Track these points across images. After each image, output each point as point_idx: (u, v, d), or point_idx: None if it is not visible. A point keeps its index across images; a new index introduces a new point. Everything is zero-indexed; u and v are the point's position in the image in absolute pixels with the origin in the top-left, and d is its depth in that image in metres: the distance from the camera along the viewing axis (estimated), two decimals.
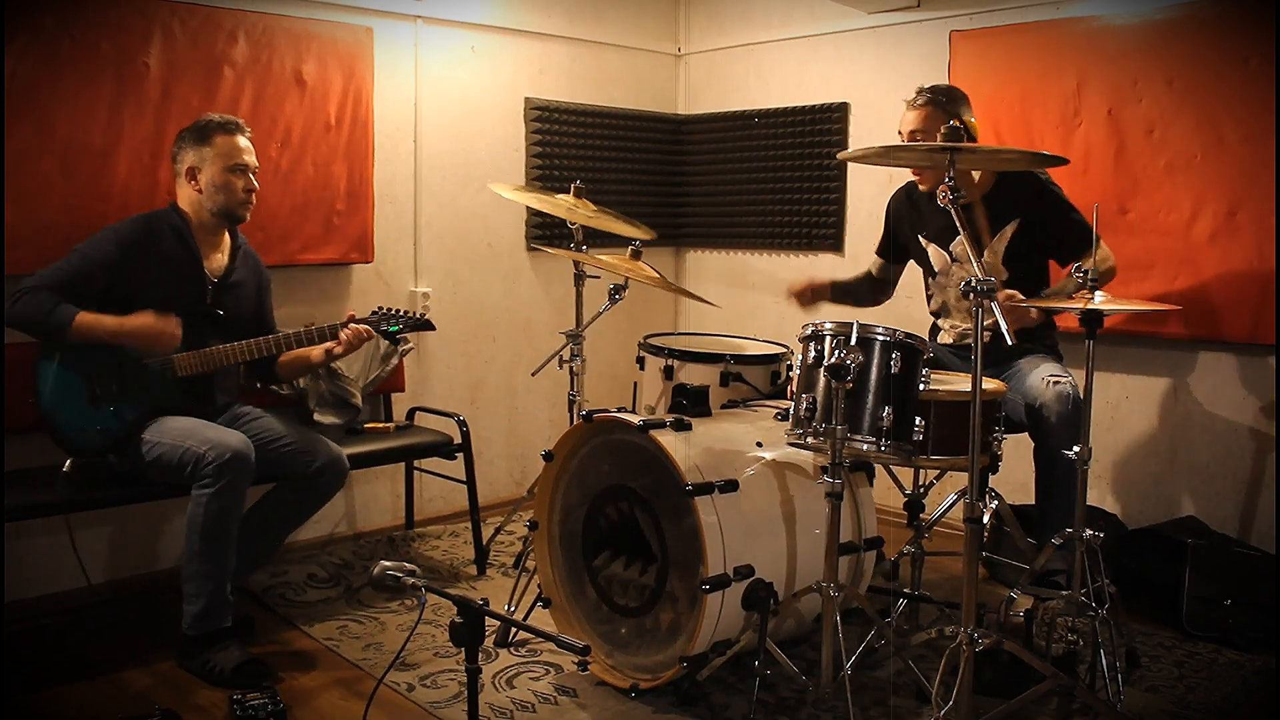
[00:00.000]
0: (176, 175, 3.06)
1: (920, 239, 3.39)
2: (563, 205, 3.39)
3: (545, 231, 4.57)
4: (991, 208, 3.19)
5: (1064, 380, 2.97)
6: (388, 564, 2.04)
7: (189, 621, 2.85)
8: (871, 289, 3.64)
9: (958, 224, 2.37)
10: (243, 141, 3.07)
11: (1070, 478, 2.77)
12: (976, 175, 3.22)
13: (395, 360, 4.00)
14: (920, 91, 3.21)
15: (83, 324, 2.84)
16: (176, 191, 3.08)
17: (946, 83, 3.58)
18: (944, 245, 3.32)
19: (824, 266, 4.56)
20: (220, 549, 2.84)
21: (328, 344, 3.07)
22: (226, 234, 3.17)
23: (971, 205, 3.18)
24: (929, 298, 3.45)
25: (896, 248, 3.51)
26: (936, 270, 3.36)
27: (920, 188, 3.36)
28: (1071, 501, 2.76)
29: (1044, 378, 2.99)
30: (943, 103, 3.16)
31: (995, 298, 2.29)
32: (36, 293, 2.84)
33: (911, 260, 3.53)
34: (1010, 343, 2.27)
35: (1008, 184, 3.21)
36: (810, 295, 3.58)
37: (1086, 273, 2.65)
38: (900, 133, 3.23)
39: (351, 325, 3.06)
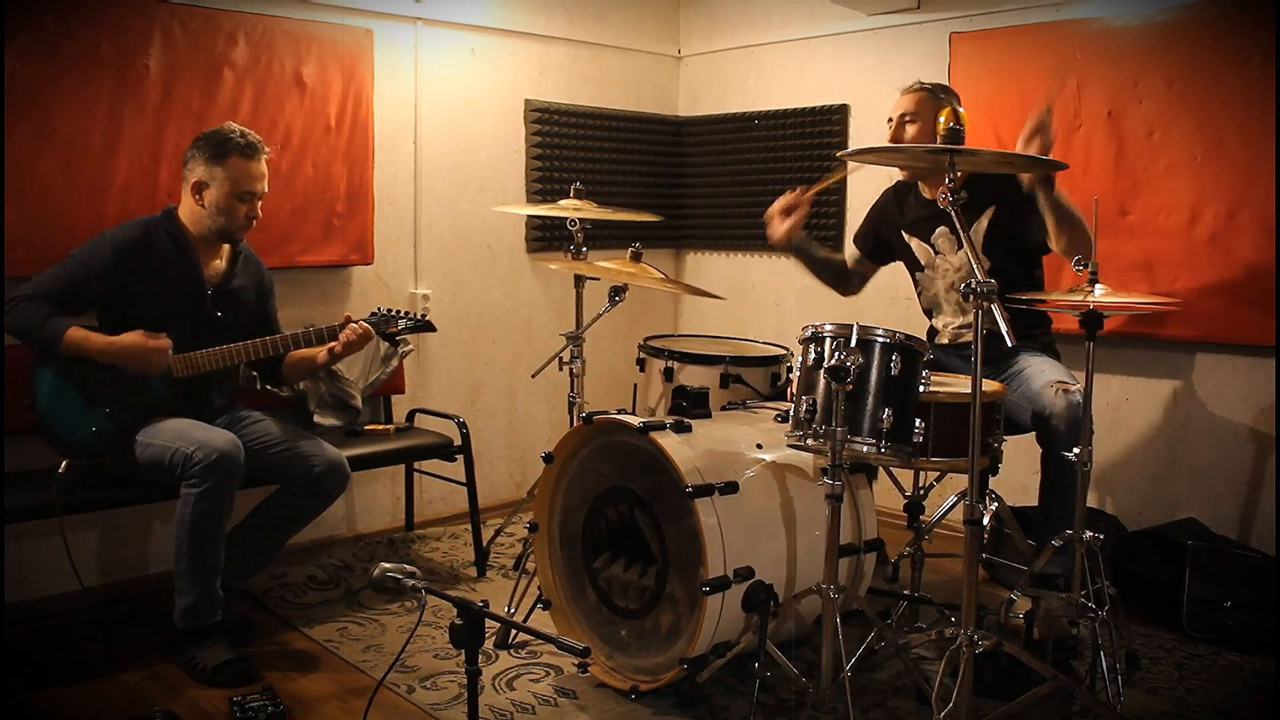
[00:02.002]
0: (183, 181, 3.03)
1: (903, 234, 3.39)
2: (568, 209, 3.40)
3: (545, 234, 4.58)
4: (966, 199, 3.16)
5: (1074, 389, 2.94)
6: (388, 566, 2.04)
7: (178, 615, 2.88)
8: (838, 275, 3.59)
9: (957, 225, 2.37)
10: (258, 167, 3.03)
11: (1073, 481, 2.76)
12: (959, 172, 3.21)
13: (395, 362, 4.00)
14: (916, 81, 3.29)
15: (71, 340, 2.84)
16: (180, 197, 3.07)
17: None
18: (925, 238, 3.32)
19: None
20: (208, 547, 2.85)
21: (329, 344, 3.07)
22: None
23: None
24: (919, 295, 3.45)
25: (880, 245, 3.50)
26: (922, 264, 3.36)
27: (900, 175, 3.38)
28: (1072, 504, 2.75)
29: (1053, 384, 2.98)
30: (937, 92, 3.23)
31: (995, 300, 2.28)
32: (31, 303, 2.85)
33: (899, 262, 3.52)
34: (1010, 344, 2.27)
35: (978, 175, 3.19)
36: (784, 217, 3.37)
37: (1086, 265, 2.65)
38: (890, 118, 3.24)
39: (350, 325, 3.05)
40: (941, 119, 3.06)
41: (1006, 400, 3.04)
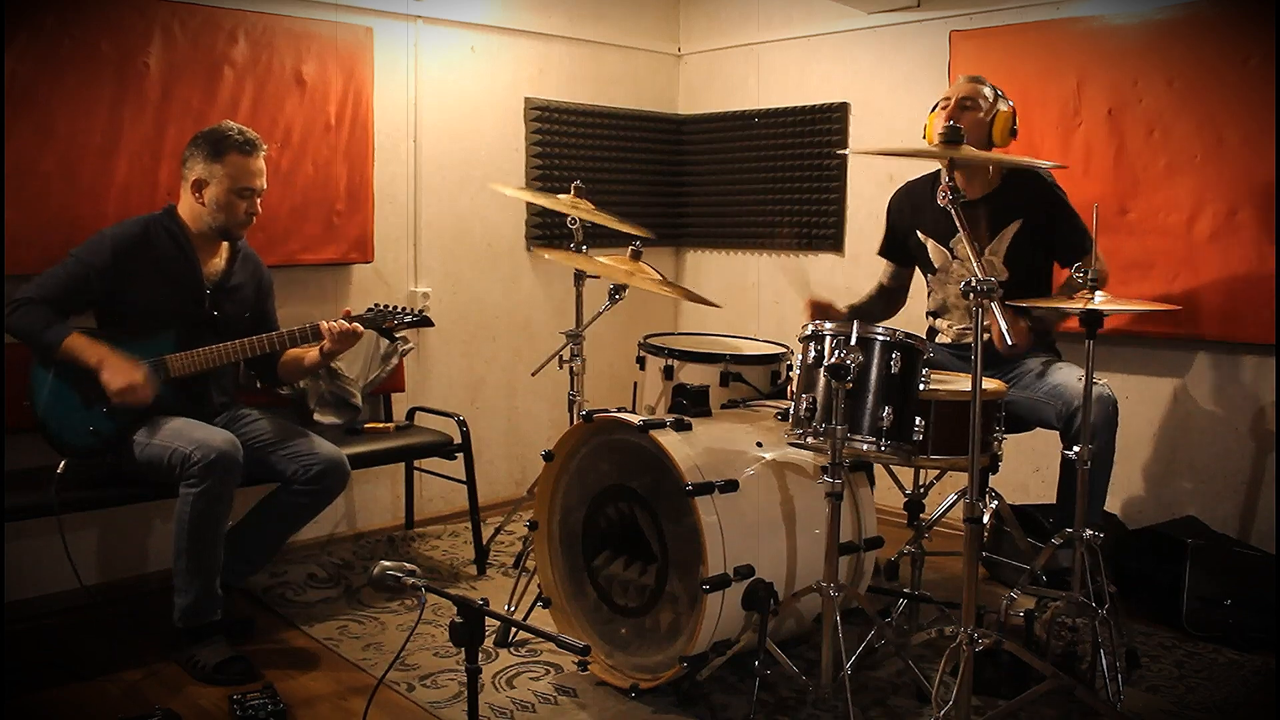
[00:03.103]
0: (183, 180, 3.04)
1: (919, 234, 3.38)
2: (564, 204, 3.39)
3: (545, 232, 4.58)
4: (995, 206, 3.18)
5: (1099, 382, 2.92)
6: (388, 564, 2.04)
7: (178, 615, 2.88)
8: (885, 302, 3.55)
9: (958, 225, 2.37)
10: (256, 164, 3.03)
11: (1099, 479, 2.76)
12: (990, 171, 3.22)
13: (395, 360, 4.00)
14: (977, 75, 3.26)
15: (69, 349, 2.85)
16: (180, 195, 3.08)
17: None
18: (944, 242, 3.31)
19: (824, 267, 4.56)
20: (207, 546, 2.85)
21: (321, 343, 3.07)
22: None
23: (975, 203, 3.18)
24: (929, 295, 3.45)
25: (898, 247, 3.50)
26: (936, 267, 3.36)
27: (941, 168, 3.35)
28: (1098, 502, 2.75)
29: (1082, 380, 2.97)
30: (997, 91, 3.21)
31: (995, 298, 2.28)
32: (32, 306, 2.85)
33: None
34: (1010, 343, 2.27)
35: (1013, 183, 3.20)
36: (822, 312, 3.35)
37: (1086, 273, 2.66)
38: (948, 98, 3.19)
39: (339, 320, 3.05)
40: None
41: (1024, 399, 3.04)
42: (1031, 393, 3.06)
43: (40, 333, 2.84)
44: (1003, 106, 3.19)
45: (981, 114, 3.14)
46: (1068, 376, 3.02)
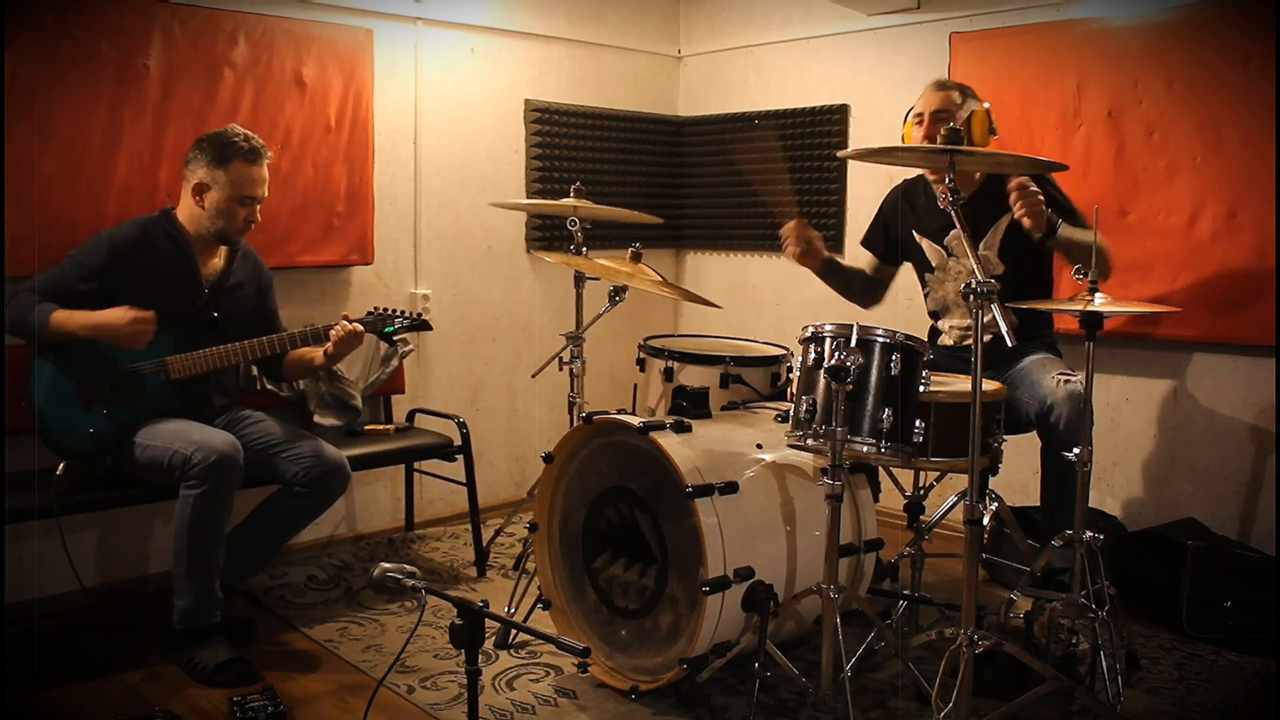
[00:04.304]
0: (184, 181, 3.04)
1: (914, 235, 3.38)
2: (566, 208, 3.40)
3: (545, 234, 4.58)
4: (984, 203, 3.18)
5: (1074, 380, 2.95)
6: (388, 566, 2.04)
7: (177, 616, 2.88)
8: (863, 286, 3.54)
9: (958, 225, 2.37)
10: (260, 172, 3.03)
11: (1075, 480, 2.76)
12: (977, 174, 3.22)
13: (395, 362, 4.00)
14: (940, 80, 3.27)
15: (58, 320, 2.83)
16: (179, 197, 3.07)
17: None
18: (939, 240, 3.32)
19: None
20: (207, 548, 2.85)
21: (324, 346, 3.07)
22: None
23: (965, 202, 3.17)
24: (926, 297, 3.45)
25: (891, 247, 3.50)
26: (934, 266, 3.36)
27: (930, 177, 3.35)
28: (1082, 503, 2.75)
29: (1055, 377, 2.98)
30: (965, 90, 3.21)
31: (995, 300, 2.28)
32: (25, 295, 2.85)
33: (908, 262, 3.52)
34: (1010, 344, 2.27)
35: (998, 177, 3.20)
36: (804, 243, 3.32)
37: (1086, 274, 2.65)
38: (921, 114, 3.19)
39: (341, 324, 3.05)
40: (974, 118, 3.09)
41: (1015, 398, 3.04)
42: (1018, 392, 3.06)
43: (28, 315, 2.83)
44: (975, 105, 3.19)
45: (957, 122, 3.14)
46: (1045, 375, 3.02)
